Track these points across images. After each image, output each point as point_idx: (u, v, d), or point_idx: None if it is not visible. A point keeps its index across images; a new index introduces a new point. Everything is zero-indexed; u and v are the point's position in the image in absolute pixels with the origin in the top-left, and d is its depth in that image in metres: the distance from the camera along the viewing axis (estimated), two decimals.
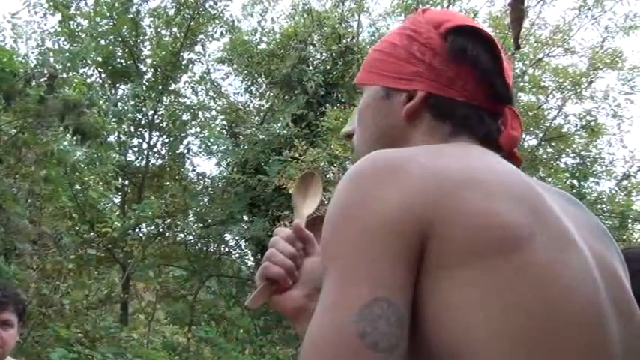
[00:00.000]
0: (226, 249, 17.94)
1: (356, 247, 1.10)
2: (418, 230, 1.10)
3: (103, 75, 16.42)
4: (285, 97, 16.67)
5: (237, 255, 18.17)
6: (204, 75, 17.82)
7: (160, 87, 16.29)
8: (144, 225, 14.96)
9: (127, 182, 16.70)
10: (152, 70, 16.75)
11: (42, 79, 9.43)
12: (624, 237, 16.71)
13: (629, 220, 17.70)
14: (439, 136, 1.38)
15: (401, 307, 1.07)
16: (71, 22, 15.32)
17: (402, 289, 1.08)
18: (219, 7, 16.40)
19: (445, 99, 1.39)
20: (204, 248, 17.45)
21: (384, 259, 1.09)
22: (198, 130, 17.28)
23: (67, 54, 11.49)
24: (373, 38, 16.44)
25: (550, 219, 1.17)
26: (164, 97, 16.65)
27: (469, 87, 1.40)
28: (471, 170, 1.17)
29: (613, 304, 1.17)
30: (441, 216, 1.10)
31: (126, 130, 16.45)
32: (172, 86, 16.94)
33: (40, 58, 10.75)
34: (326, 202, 1.61)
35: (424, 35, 1.42)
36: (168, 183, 16.98)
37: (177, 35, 16.50)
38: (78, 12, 15.53)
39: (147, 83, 16.40)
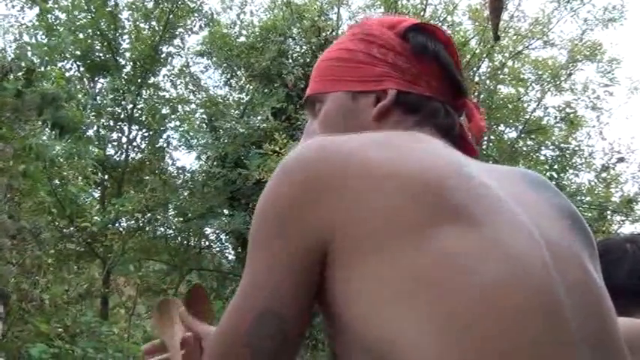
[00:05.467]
0: (207, 243, 17.93)
1: (261, 250, 1.17)
2: (319, 234, 1.12)
3: (81, 69, 16.33)
4: (265, 90, 16.62)
5: (217, 249, 18.18)
6: (184, 68, 17.77)
7: (139, 80, 16.23)
8: (124, 219, 14.93)
9: (106, 176, 16.64)
10: (131, 63, 16.68)
11: (19, 73, 9.37)
12: (603, 228, 16.82)
13: (608, 212, 17.83)
14: (402, 129, 1.38)
15: (289, 319, 1.14)
16: (49, 16, 15.22)
17: (298, 300, 1.14)
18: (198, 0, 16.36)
19: (413, 95, 1.40)
20: (185, 242, 17.43)
21: (284, 268, 1.14)
22: (178, 123, 17.23)
23: (45, 47, 11.41)
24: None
25: (486, 206, 1.15)
26: (143, 91, 16.61)
27: (433, 83, 1.42)
28: (394, 161, 1.16)
29: (571, 293, 1.13)
30: (343, 214, 1.11)
31: (105, 123, 16.39)
32: (151, 80, 16.90)
33: (18, 51, 10.66)
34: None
35: (381, 37, 1.43)
36: (148, 177, 16.91)
37: (156, 28, 16.43)
38: (56, 5, 15.43)
39: (126, 77, 16.33)
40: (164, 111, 16.96)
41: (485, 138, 18.09)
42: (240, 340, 1.14)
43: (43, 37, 14.46)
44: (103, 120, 16.13)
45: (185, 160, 27.37)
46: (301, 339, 1.18)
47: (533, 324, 1.05)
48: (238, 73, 18.08)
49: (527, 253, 1.12)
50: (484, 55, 17.53)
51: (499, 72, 18.26)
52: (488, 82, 18.28)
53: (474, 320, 1.03)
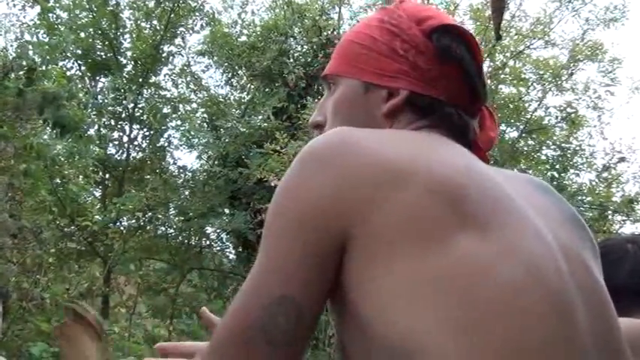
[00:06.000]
0: (207, 242, 17.90)
1: (277, 237, 1.18)
2: (339, 225, 1.13)
3: (82, 68, 16.32)
4: (266, 89, 16.61)
5: (218, 248, 18.14)
6: (185, 68, 17.75)
7: (140, 80, 16.22)
8: (124, 218, 14.90)
9: (107, 175, 16.64)
10: (132, 62, 16.67)
11: (20, 72, 9.37)
12: (604, 228, 16.80)
13: (609, 212, 17.81)
14: (414, 130, 1.38)
15: (304, 306, 1.14)
16: (50, 15, 15.21)
17: (312, 287, 1.15)
18: None
19: (426, 97, 1.39)
20: (186, 241, 17.40)
21: (299, 255, 1.14)
22: (179, 123, 17.21)
23: (46, 46, 11.40)
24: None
25: (503, 209, 1.16)
26: (144, 90, 16.59)
27: (451, 87, 1.40)
28: (416, 161, 1.17)
29: (581, 295, 1.15)
30: (366, 209, 1.12)
31: (106, 123, 16.38)
32: (152, 79, 16.89)
33: (19, 50, 10.66)
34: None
35: (406, 32, 1.41)
36: (149, 176, 16.91)
37: (158, 28, 16.42)
38: (57, 4, 15.42)
39: (127, 76, 16.33)
40: (165, 110, 16.95)
41: None
42: (256, 322, 1.13)
43: (44, 36, 14.44)
44: (104, 119, 16.12)
45: (186, 159, 27.47)
46: (314, 326, 1.18)
47: (548, 326, 1.07)
48: (239, 72, 18.06)
49: (541, 256, 1.14)
50: (485, 55, 17.48)
51: (500, 72, 18.23)
52: (489, 81, 18.23)
53: (493, 321, 1.05)
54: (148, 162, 17.19)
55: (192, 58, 17.95)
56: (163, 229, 16.93)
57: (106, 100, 16.09)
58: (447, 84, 1.40)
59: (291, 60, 16.17)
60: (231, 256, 17.82)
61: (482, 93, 1.45)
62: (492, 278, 1.07)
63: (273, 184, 12.23)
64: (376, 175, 1.14)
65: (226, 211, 16.20)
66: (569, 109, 18.21)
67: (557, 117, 18.58)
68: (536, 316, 1.07)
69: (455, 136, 1.38)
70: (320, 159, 1.18)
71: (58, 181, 12.72)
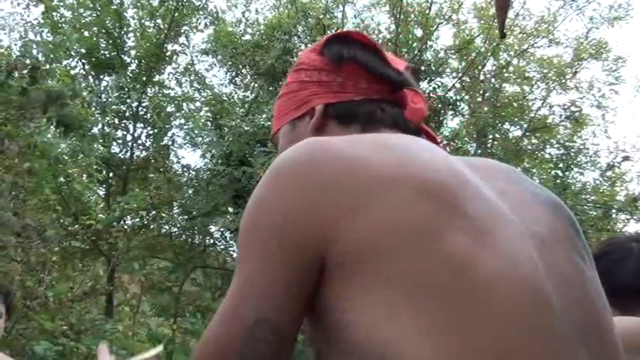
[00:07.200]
0: (211, 241, 17.93)
1: (252, 255, 1.15)
2: (318, 237, 1.11)
3: (86, 66, 16.37)
4: (270, 88, 16.62)
5: (222, 247, 18.17)
6: (189, 66, 17.80)
7: (144, 78, 16.26)
8: (128, 217, 14.91)
9: (111, 174, 16.66)
10: (136, 61, 16.72)
11: (24, 71, 9.37)
12: (608, 227, 16.79)
13: (613, 210, 17.80)
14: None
15: (283, 327, 1.12)
16: (54, 14, 15.24)
17: (290, 306, 1.13)
18: None
19: (344, 104, 1.44)
20: (190, 240, 17.43)
21: (277, 275, 1.12)
22: (183, 121, 17.26)
23: (50, 45, 11.41)
24: (357, 29, 16.38)
25: (473, 204, 1.14)
26: (148, 89, 16.63)
27: (362, 84, 1.46)
28: (387, 164, 1.15)
29: (557, 286, 1.13)
30: (347, 216, 1.10)
31: (110, 121, 16.43)
32: (156, 78, 16.94)
33: (23, 49, 10.67)
34: None
35: (306, 62, 1.52)
36: (152, 175, 16.95)
37: (162, 26, 16.46)
38: (61, 3, 15.45)
39: (131, 75, 16.37)
40: (169, 109, 17.00)
41: (490, 136, 18.08)
42: (233, 348, 1.11)
43: (48, 34, 14.47)
44: (108, 118, 16.17)
45: (190, 158, 27.50)
46: (292, 344, 1.16)
47: (524, 324, 1.06)
48: (243, 71, 18.10)
49: (517, 252, 1.12)
50: (489, 54, 17.50)
51: (504, 70, 18.23)
52: (493, 80, 18.26)
53: (475, 324, 1.04)
54: (152, 161, 17.22)
55: (196, 56, 18.01)
56: (167, 227, 16.96)
57: (109, 99, 16.13)
58: (354, 84, 1.45)
59: (295, 59, 16.13)
60: (235, 255, 17.81)
61: (397, 78, 1.48)
62: (476, 280, 1.06)
63: None
64: (357, 181, 1.12)
65: (230, 209, 16.21)
66: (573, 108, 18.22)
67: (561, 115, 18.59)
68: (513, 316, 1.05)
69: (390, 129, 1.41)
70: (295, 169, 1.16)
71: (61, 179, 12.74)
